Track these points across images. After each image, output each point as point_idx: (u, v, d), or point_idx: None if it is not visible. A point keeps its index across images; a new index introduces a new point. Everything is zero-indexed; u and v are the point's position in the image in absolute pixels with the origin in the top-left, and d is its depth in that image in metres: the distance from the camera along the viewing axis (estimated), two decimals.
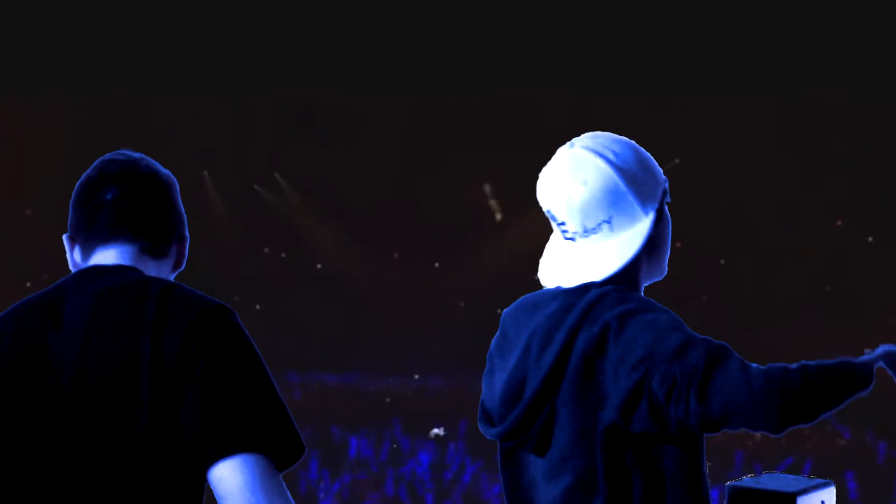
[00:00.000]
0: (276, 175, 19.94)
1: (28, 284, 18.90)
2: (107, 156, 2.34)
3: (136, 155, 2.34)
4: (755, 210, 18.41)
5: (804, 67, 16.08)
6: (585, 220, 2.29)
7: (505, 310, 2.40)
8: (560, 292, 2.29)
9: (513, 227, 19.38)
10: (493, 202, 19.87)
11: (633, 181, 2.29)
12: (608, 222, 2.28)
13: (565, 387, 2.18)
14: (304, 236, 20.16)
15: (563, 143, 2.40)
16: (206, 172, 19.45)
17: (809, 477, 2.56)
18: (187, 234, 2.33)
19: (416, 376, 19.43)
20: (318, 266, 20.59)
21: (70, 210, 2.35)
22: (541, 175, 2.37)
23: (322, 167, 19.06)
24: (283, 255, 20.39)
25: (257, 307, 18.03)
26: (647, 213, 2.30)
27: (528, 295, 2.37)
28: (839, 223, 18.90)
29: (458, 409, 17.10)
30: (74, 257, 2.32)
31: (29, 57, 16.52)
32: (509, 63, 16.75)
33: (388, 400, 19.08)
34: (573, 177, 2.28)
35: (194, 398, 1.99)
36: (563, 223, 2.32)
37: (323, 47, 16.78)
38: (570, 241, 2.34)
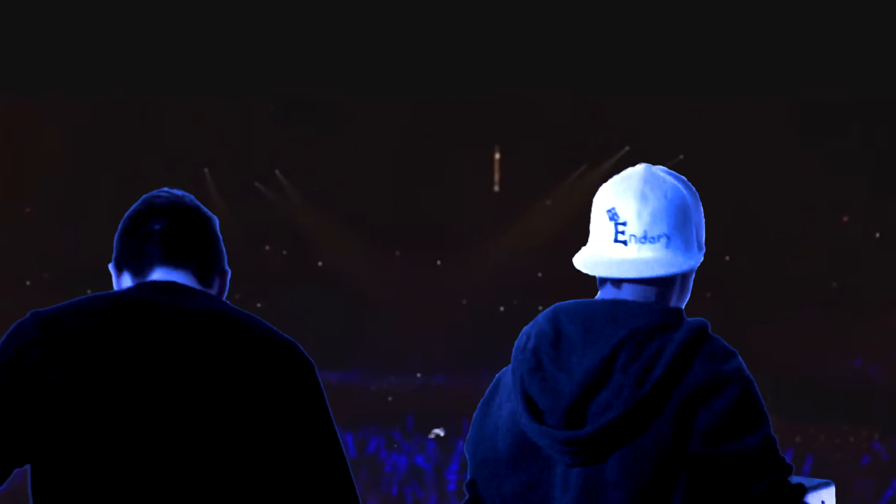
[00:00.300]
0: (277, 172, 19.96)
1: (28, 283, 18.93)
2: (152, 192, 2.43)
3: (179, 192, 2.44)
4: (760, 207, 18.42)
5: (807, 67, 16.08)
6: (651, 226, 2.35)
7: (559, 309, 2.33)
8: (645, 310, 2.30)
9: (514, 225, 19.39)
10: (496, 174, 19.87)
11: (697, 215, 2.44)
12: (668, 237, 2.36)
13: (672, 406, 2.20)
14: (306, 234, 20.17)
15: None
16: (206, 170, 19.47)
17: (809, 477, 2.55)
18: (228, 268, 2.44)
19: (419, 375, 19.43)
20: (320, 264, 20.60)
21: (116, 241, 2.41)
22: (613, 178, 2.43)
23: (323, 165, 19.07)
24: (285, 252, 20.42)
25: (258, 305, 18.02)
26: (699, 248, 2.43)
27: (591, 301, 2.34)
28: (845, 220, 18.91)
29: (460, 407, 17.10)
30: (122, 283, 2.38)
31: (29, 57, 16.52)
32: (509, 63, 16.74)
33: (389, 398, 19.09)
34: (653, 185, 2.38)
35: (295, 444, 2.20)
36: (624, 222, 2.35)
37: (323, 47, 16.78)
38: (621, 245, 2.36)
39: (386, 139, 19.01)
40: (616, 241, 2.35)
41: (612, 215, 2.37)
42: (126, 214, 2.41)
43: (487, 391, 2.44)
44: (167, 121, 18.53)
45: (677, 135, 18.27)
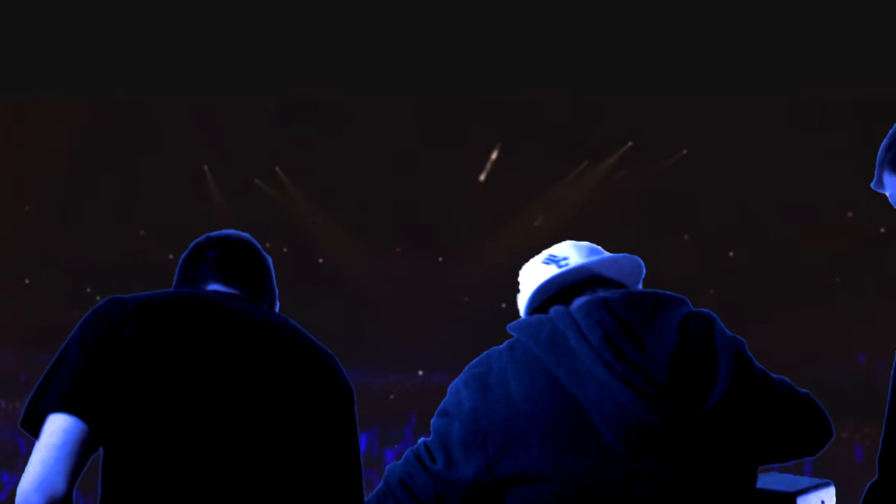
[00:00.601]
0: (278, 169, 19.96)
1: (27, 281, 18.93)
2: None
3: (238, 231, 2.68)
4: (764, 202, 18.41)
5: (810, 67, 16.10)
6: (589, 254, 2.46)
7: (607, 300, 2.31)
8: (673, 296, 2.36)
9: (515, 222, 19.39)
10: (489, 165, 19.89)
11: None
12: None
13: (744, 382, 2.26)
14: (306, 232, 20.17)
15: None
16: (206, 167, 19.47)
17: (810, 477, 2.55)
18: (278, 302, 2.66)
19: (420, 372, 19.44)
20: (320, 261, 20.60)
21: (176, 271, 2.61)
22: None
23: (323, 163, 19.07)
24: (285, 250, 20.40)
25: None
26: None
27: (628, 290, 2.37)
28: (850, 215, 18.89)
29: None
30: None
31: (29, 57, 16.52)
32: (509, 63, 16.74)
33: (391, 396, 19.09)
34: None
35: (344, 439, 2.45)
36: (565, 258, 2.45)
37: (323, 47, 16.77)
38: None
39: (386, 138, 19.01)
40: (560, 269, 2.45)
41: (550, 258, 2.47)
42: (187, 248, 2.62)
43: (471, 402, 2.30)
44: (167, 121, 18.52)
45: (679, 133, 18.26)
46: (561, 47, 16.45)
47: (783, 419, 2.30)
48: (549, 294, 2.44)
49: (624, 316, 2.28)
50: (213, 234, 2.62)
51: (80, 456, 2.18)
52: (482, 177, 19.94)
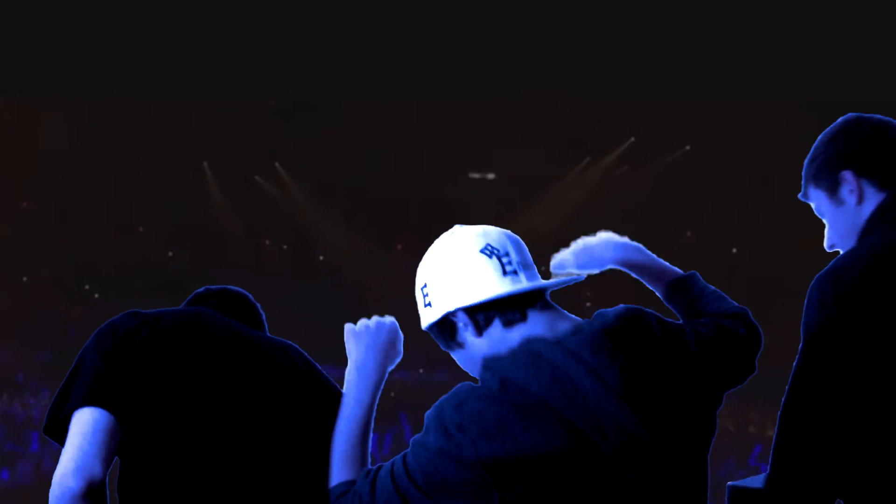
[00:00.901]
0: (278, 166, 19.96)
1: (24, 279, 18.93)
2: None
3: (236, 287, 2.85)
4: (767, 199, 18.41)
5: (810, 67, 16.11)
6: (526, 256, 2.40)
7: (608, 329, 2.22)
8: (633, 311, 2.30)
9: (516, 220, 19.39)
10: (489, 164, 19.90)
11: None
12: (533, 266, 2.42)
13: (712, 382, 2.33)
14: (306, 229, 20.16)
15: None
16: (205, 164, 19.46)
17: None
18: None
19: (421, 370, 19.43)
20: (321, 258, 20.59)
21: None
22: (453, 241, 2.48)
23: (324, 160, 19.06)
24: (285, 247, 20.41)
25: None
26: None
27: (623, 312, 2.29)
28: None
29: None
30: None
31: (29, 57, 16.52)
32: (509, 63, 16.74)
33: (392, 394, 19.08)
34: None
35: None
36: (507, 253, 2.37)
37: (325, 47, 16.77)
38: (513, 276, 2.34)
39: (387, 137, 19.01)
40: (507, 273, 2.35)
41: (490, 250, 2.39)
42: (185, 300, 2.76)
43: (473, 449, 2.11)
44: (167, 121, 18.52)
45: (679, 133, 18.26)
46: (561, 47, 16.43)
47: (728, 367, 2.35)
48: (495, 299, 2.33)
49: (628, 345, 2.19)
50: (213, 286, 2.75)
51: (111, 444, 2.23)
52: (481, 174, 19.95)
